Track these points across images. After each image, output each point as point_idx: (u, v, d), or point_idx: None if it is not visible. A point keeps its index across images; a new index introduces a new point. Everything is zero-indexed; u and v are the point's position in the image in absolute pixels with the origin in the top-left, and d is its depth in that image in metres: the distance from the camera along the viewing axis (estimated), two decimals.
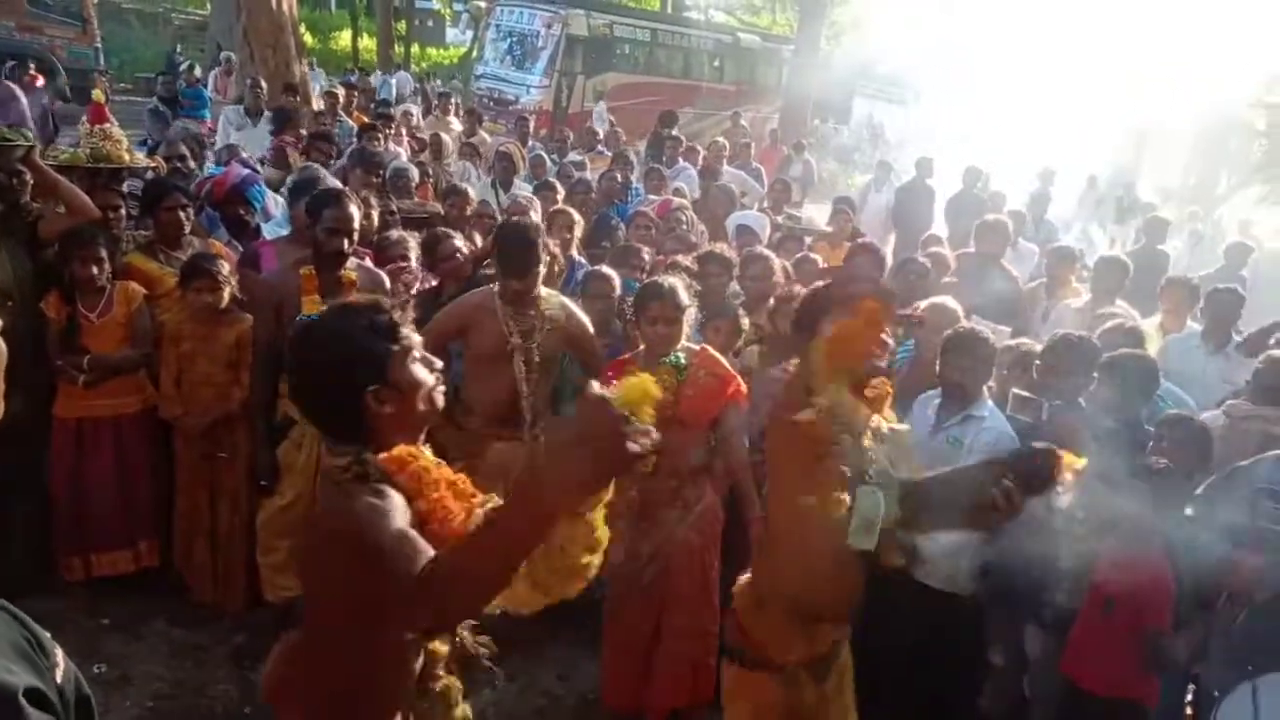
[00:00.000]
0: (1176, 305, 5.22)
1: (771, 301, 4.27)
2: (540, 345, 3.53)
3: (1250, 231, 10.52)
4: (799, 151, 12.80)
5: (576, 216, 5.37)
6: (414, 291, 4.47)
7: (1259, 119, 19.16)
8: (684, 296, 3.24)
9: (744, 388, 3.37)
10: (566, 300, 3.73)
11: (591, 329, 3.75)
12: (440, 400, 1.79)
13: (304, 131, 7.78)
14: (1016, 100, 19.15)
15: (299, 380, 1.77)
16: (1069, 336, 3.56)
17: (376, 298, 1.83)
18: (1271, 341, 4.45)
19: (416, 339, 1.76)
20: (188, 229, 4.27)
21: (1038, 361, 3.59)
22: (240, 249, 4.52)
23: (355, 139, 8.04)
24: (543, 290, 3.64)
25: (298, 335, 1.77)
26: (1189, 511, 2.82)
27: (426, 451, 1.76)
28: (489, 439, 3.54)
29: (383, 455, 1.65)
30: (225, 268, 3.85)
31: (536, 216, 5.64)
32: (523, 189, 7.25)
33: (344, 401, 1.66)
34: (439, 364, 1.81)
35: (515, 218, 4.14)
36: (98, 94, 4.90)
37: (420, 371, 1.74)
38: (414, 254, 4.64)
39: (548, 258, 3.88)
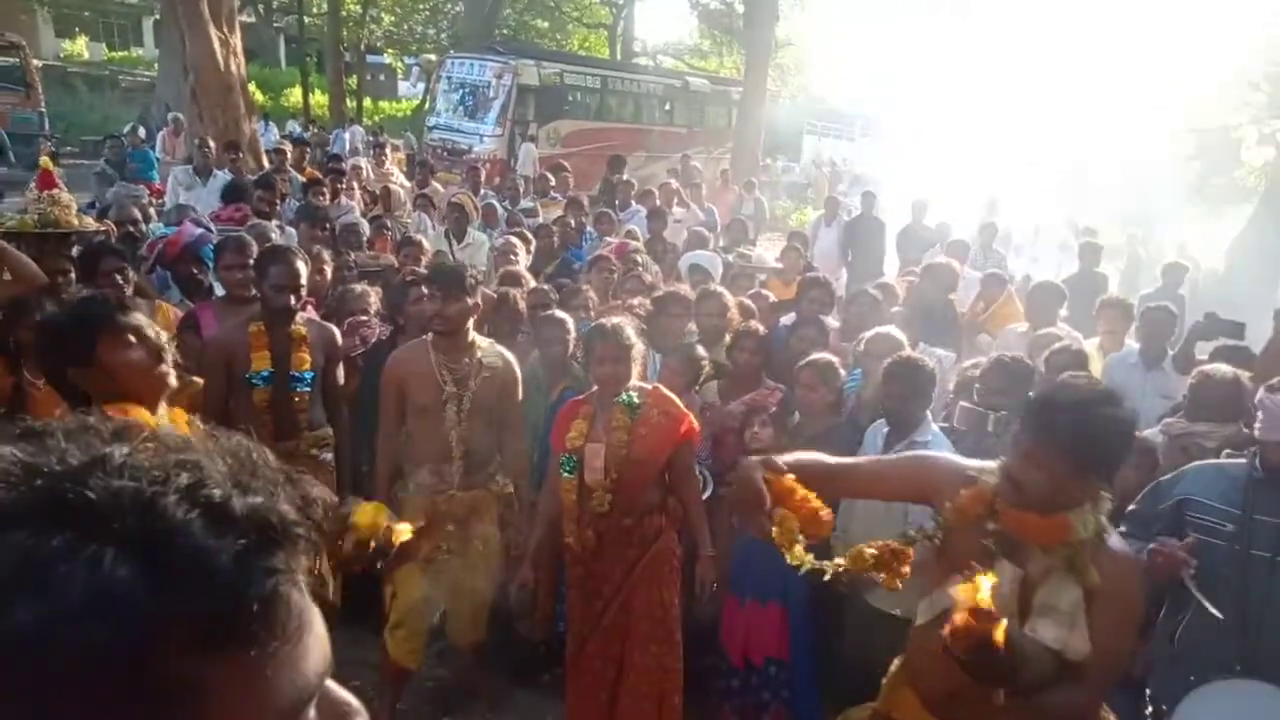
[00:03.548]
0: (1113, 325, 5.36)
1: (728, 337, 4.35)
2: (475, 393, 3.49)
3: (1186, 251, 10.85)
4: (750, 190, 13.01)
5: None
6: (371, 343, 4.49)
7: (1188, 144, 19.91)
8: (630, 336, 3.27)
9: (696, 426, 3.42)
10: (506, 351, 3.68)
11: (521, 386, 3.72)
12: (171, 379, 2.23)
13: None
14: (961, 133, 19.73)
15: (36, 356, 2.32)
16: (1003, 359, 3.68)
17: (106, 292, 2.23)
18: (1204, 356, 4.59)
19: (137, 322, 2.20)
20: (129, 291, 4.23)
21: (977, 385, 3.69)
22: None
23: (302, 195, 8.06)
24: (480, 339, 3.62)
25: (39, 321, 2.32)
26: (1122, 528, 2.90)
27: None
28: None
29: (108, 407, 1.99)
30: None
31: (524, 259, 5.72)
32: (476, 237, 7.31)
33: (55, 377, 2.20)
34: (164, 348, 2.23)
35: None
36: (45, 161, 4.89)
37: (134, 354, 2.17)
38: (374, 307, 4.67)
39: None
